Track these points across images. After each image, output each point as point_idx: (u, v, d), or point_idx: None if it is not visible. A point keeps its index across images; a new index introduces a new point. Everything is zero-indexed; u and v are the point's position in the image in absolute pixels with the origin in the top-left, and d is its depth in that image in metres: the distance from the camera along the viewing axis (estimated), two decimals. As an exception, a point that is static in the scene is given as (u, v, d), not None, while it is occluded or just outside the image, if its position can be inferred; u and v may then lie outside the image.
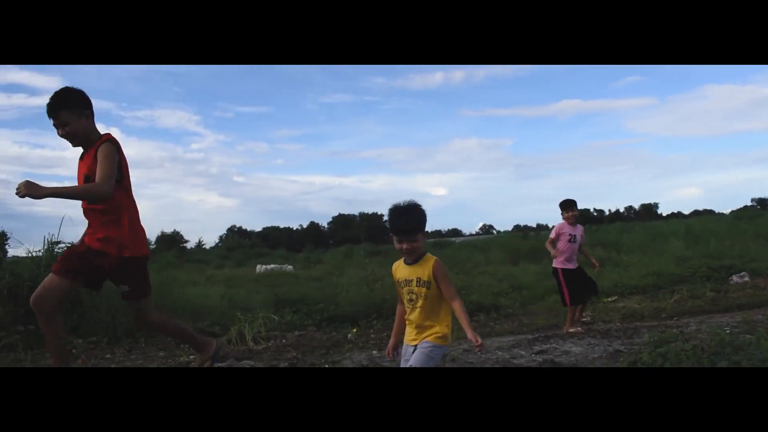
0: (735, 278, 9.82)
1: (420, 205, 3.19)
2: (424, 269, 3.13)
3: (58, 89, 4.09)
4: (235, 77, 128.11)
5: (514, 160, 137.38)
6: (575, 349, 5.58)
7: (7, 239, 8.89)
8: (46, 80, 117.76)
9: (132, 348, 6.89)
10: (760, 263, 10.74)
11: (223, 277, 17.00)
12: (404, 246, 3.10)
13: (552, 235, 6.89)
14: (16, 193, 3.56)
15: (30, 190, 3.56)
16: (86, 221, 4.27)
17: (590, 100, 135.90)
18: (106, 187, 3.82)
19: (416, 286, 3.12)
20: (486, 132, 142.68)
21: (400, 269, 3.24)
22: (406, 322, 3.23)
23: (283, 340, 6.95)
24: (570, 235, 6.75)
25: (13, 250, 9.25)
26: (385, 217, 3.36)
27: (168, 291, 8.91)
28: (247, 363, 4.82)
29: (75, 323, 7.40)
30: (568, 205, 6.92)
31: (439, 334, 3.10)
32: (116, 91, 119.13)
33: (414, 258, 3.16)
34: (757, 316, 6.42)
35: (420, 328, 3.13)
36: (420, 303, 3.11)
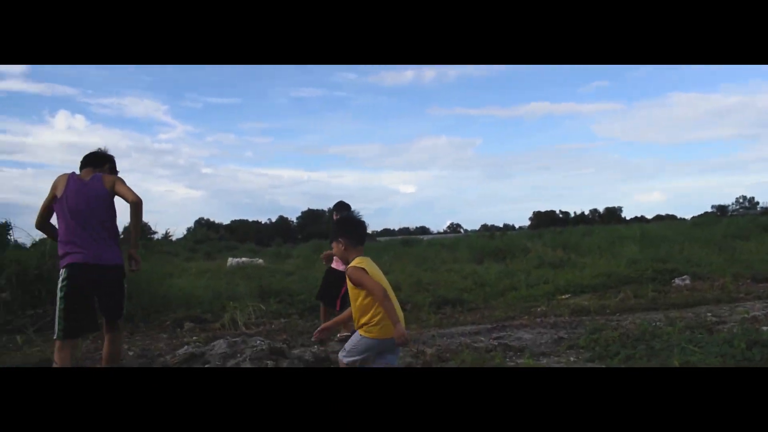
0: (677, 281, 10.78)
1: (342, 218, 3.83)
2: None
3: None
4: (203, 67, 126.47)
5: (483, 160, 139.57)
6: (526, 336, 6.52)
7: (9, 229, 9.38)
8: (9, 66, 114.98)
9: (134, 331, 7.58)
10: (703, 268, 11.73)
11: (198, 269, 17.43)
12: None
13: None
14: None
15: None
16: None
17: (559, 103, 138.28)
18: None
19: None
20: (456, 131, 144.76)
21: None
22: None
23: (272, 326, 7.76)
24: None
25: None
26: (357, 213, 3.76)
27: (158, 281, 9.58)
28: (258, 339, 5.51)
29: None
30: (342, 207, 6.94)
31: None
32: (81, 77, 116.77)
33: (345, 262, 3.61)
34: (687, 314, 7.34)
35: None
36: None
